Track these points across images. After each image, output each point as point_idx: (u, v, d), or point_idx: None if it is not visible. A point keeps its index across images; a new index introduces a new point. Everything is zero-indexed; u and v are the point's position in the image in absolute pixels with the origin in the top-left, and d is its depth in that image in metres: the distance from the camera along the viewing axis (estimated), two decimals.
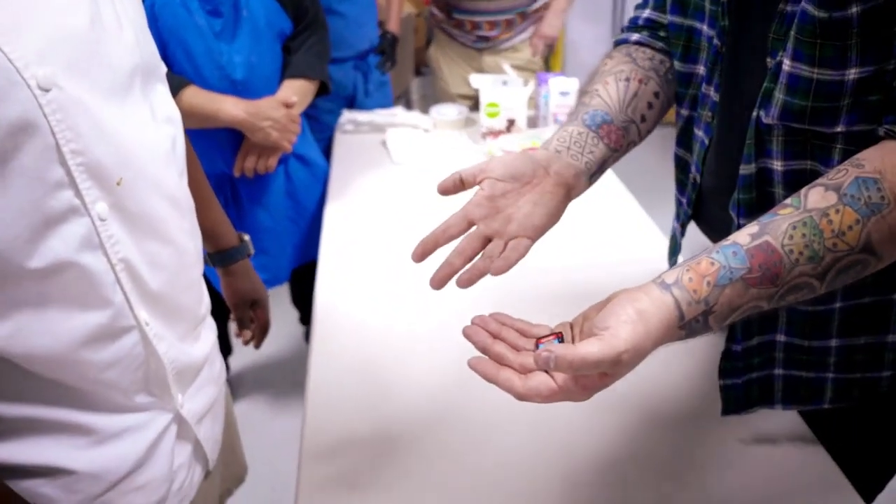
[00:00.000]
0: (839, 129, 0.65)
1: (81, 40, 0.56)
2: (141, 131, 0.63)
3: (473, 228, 0.71)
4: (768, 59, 0.68)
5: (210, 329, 0.82)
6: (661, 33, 0.89)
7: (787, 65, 0.65)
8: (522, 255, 0.69)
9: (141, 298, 0.64)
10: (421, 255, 0.70)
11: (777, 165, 0.71)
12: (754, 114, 0.70)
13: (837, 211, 0.58)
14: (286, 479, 0.96)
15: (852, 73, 0.62)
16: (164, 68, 0.72)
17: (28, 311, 0.56)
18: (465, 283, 0.68)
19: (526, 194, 0.72)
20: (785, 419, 0.88)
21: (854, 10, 0.60)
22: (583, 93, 0.86)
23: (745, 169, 0.72)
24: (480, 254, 0.70)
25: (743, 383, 0.81)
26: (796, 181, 0.69)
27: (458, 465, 0.84)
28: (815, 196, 0.59)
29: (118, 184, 0.59)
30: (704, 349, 0.97)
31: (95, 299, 0.60)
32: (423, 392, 0.95)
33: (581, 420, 0.89)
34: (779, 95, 0.67)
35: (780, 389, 0.82)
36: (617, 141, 0.81)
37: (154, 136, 0.66)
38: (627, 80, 0.84)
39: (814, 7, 0.61)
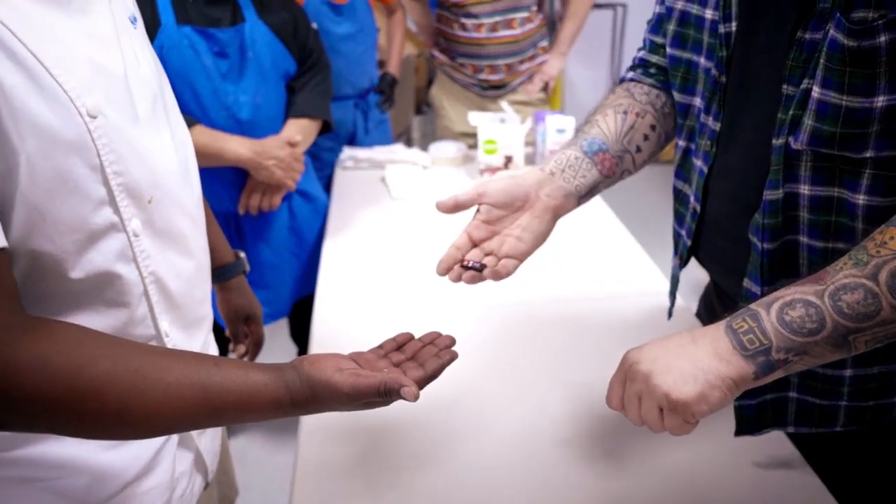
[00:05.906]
0: (868, 154, 0.67)
1: (114, 74, 0.62)
2: (165, 154, 0.69)
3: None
4: (784, 86, 0.71)
5: (213, 343, 0.86)
6: (652, 70, 0.96)
7: (816, 92, 0.67)
8: (511, 274, 0.81)
9: (165, 310, 0.69)
10: (445, 270, 0.81)
11: (804, 190, 0.73)
12: (779, 140, 0.72)
13: (881, 232, 0.61)
14: None
15: (881, 101, 0.64)
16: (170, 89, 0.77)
17: (60, 318, 0.59)
18: (470, 280, 0.81)
19: (518, 218, 0.84)
20: (776, 442, 0.88)
21: (882, 38, 0.62)
22: (583, 123, 0.94)
23: (772, 195, 0.74)
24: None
25: (757, 404, 0.82)
26: (822, 206, 0.72)
27: (455, 501, 0.84)
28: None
29: (149, 202, 0.65)
30: None
31: (122, 309, 0.64)
32: (419, 428, 0.95)
33: (580, 446, 0.90)
34: (808, 122, 0.69)
35: (793, 412, 0.83)
36: (610, 168, 0.90)
37: (175, 158, 0.71)
38: (625, 112, 0.91)
39: (843, 36, 0.64)
